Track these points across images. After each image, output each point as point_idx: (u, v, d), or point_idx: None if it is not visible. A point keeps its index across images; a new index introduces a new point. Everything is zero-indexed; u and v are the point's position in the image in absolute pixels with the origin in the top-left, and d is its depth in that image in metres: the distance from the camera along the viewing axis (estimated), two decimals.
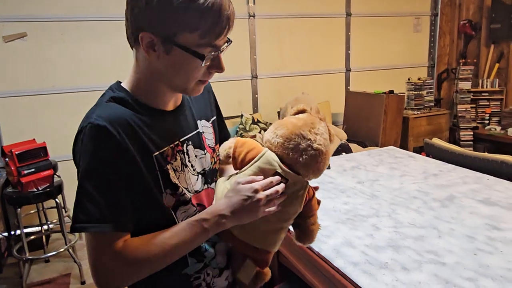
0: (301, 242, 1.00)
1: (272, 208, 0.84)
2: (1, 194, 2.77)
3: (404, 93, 4.41)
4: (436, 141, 2.65)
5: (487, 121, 4.52)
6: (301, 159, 0.86)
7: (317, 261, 1.35)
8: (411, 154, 2.49)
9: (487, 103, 4.52)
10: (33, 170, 2.50)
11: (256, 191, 0.81)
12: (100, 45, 3.50)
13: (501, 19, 4.33)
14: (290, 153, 0.86)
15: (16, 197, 2.51)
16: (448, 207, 1.67)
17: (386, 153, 2.56)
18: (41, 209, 3.03)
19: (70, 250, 2.74)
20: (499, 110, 4.47)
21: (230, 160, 0.93)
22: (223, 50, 0.82)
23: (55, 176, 2.75)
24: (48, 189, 2.58)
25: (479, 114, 4.57)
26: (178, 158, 0.88)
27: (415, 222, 1.54)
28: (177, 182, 0.86)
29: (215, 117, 1.08)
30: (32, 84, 3.34)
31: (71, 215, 3.20)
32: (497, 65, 4.46)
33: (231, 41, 0.84)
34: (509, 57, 4.34)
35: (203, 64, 0.79)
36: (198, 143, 0.95)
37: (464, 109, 4.47)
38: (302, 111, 0.93)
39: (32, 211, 3.11)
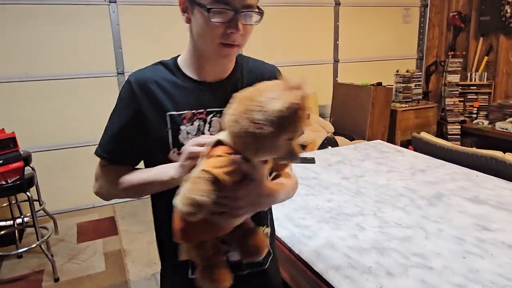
0: None
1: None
2: None
3: (392, 85, 4.34)
4: (424, 135, 2.58)
5: (474, 115, 4.47)
6: None
7: (297, 264, 1.27)
8: (398, 149, 2.42)
9: (475, 97, 4.47)
10: (1, 162, 2.36)
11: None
12: (75, 30, 3.33)
13: (491, 11, 4.26)
14: None
15: None
16: (436, 206, 1.59)
17: (373, 147, 2.48)
18: (13, 202, 2.89)
19: (43, 245, 2.61)
20: (487, 104, 4.42)
21: None
22: (240, 12, 0.85)
23: (27, 167, 2.61)
24: (18, 182, 2.44)
25: (467, 108, 4.52)
26: (196, 124, 0.94)
27: (401, 221, 1.46)
28: (184, 143, 0.91)
29: None
30: (3, 70, 3.17)
31: (46, 208, 3.06)
32: (485, 58, 4.40)
33: (261, 12, 0.89)
34: (498, 51, 4.29)
35: (212, 20, 0.84)
36: None
37: (452, 103, 4.41)
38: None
39: (4, 204, 2.97)
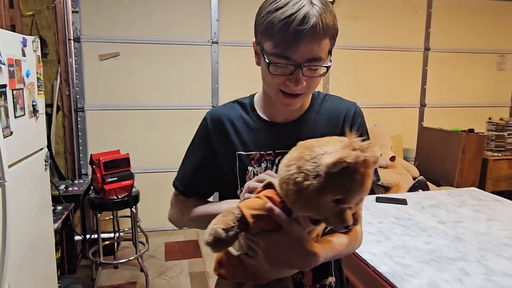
0: None
1: None
2: (83, 199, 2.98)
3: (484, 133, 4.16)
4: None
5: None
6: None
7: None
8: (497, 198, 2.33)
9: None
10: (115, 178, 2.66)
11: None
12: (181, 67, 3.71)
13: None
14: None
15: (98, 203, 2.68)
16: None
17: (467, 194, 2.41)
18: (115, 216, 3.20)
19: (139, 259, 2.85)
20: None
21: None
22: (303, 67, 0.81)
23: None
24: (126, 198, 2.73)
25: None
26: (263, 165, 0.94)
27: (509, 271, 1.43)
28: None
29: None
30: (118, 99, 3.61)
31: (141, 225, 3.31)
32: None
33: (326, 66, 0.84)
34: None
35: (270, 71, 0.84)
36: None
37: None
38: None
39: (107, 218, 3.30)
